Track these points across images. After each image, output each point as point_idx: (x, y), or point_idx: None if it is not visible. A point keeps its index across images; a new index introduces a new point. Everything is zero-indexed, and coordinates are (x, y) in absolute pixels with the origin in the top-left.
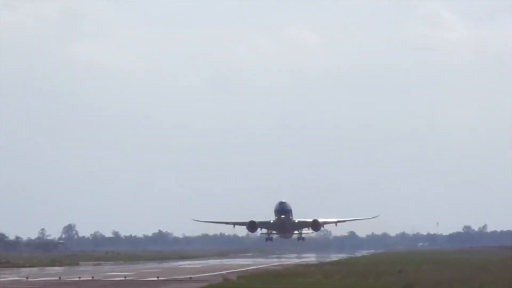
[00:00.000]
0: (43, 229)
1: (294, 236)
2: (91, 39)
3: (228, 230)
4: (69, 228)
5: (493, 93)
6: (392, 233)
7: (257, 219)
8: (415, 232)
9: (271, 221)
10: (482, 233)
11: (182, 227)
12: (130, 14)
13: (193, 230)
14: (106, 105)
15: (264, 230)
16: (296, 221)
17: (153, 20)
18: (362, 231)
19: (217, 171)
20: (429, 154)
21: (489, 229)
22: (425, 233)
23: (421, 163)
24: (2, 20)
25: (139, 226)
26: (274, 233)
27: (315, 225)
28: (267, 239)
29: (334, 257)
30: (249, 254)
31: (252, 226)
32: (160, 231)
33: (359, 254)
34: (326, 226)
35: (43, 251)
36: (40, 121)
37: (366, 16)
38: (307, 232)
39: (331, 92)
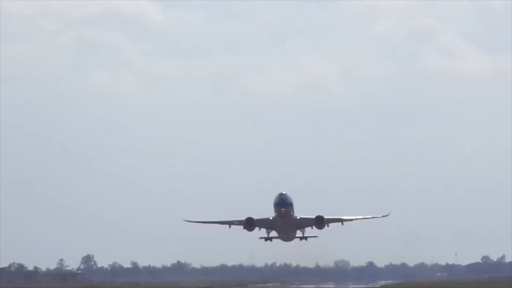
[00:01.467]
0: (61, 260)
1: (296, 239)
2: (108, 69)
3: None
4: (87, 259)
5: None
6: (411, 263)
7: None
8: (433, 263)
9: (271, 218)
10: (501, 264)
11: (200, 257)
12: (147, 45)
13: (212, 260)
14: (124, 134)
15: (263, 231)
16: (298, 217)
17: (170, 50)
18: (381, 261)
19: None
20: (447, 185)
21: (508, 259)
22: (443, 264)
23: (438, 194)
24: (20, 51)
25: (158, 257)
26: (274, 237)
27: (319, 222)
28: (266, 239)
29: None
30: (269, 285)
31: (249, 223)
32: (178, 262)
33: (378, 284)
34: (331, 225)
35: (61, 282)
36: (57, 150)
37: (384, 47)
38: (310, 236)
39: (347, 123)
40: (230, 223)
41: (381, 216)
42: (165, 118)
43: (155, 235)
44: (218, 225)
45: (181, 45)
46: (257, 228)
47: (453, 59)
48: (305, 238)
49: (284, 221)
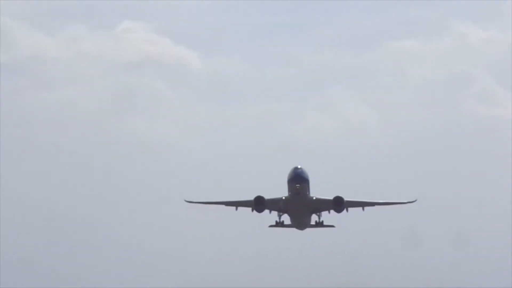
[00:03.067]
0: None
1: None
2: (147, 115)
3: None
4: None
5: None
6: None
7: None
8: None
9: (283, 198)
10: None
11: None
12: (186, 91)
13: None
14: (161, 180)
15: (275, 214)
16: (314, 198)
17: (209, 96)
18: None
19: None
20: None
21: None
22: None
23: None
24: (58, 96)
25: None
26: (287, 225)
27: (338, 203)
28: (277, 223)
29: None
30: None
31: (259, 203)
32: None
33: None
34: (350, 210)
35: None
36: (94, 195)
37: (421, 92)
38: (327, 225)
39: (385, 167)
40: (237, 204)
41: (407, 202)
42: (204, 164)
43: None
44: (223, 207)
45: (219, 91)
46: (267, 216)
47: (491, 105)
48: (321, 224)
49: (298, 200)
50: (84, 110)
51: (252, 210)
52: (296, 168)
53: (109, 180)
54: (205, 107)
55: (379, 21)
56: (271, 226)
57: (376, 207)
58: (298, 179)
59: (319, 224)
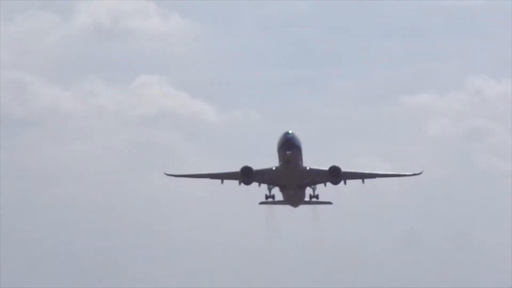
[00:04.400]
0: None
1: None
2: (163, 169)
3: None
4: None
5: None
6: None
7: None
8: None
9: (273, 168)
10: None
11: None
12: (202, 145)
13: None
14: (179, 235)
15: (264, 188)
16: (308, 168)
17: (225, 150)
18: None
19: None
20: None
21: None
22: None
23: None
24: (75, 150)
25: None
26: (278, 201)
27: (334, 174)
28: (267, 197)
29: None
30: None
31: (246, 174)
32: None
33: None
34: (349, 182)
35: None
36: (112, 249)
37: (436, 146)
38: (323, 201)
39: (400, 222)
40: (222, 176)
41: (411, 174)
42: (221, 220)
43: None
44: (207, 180)
45: (235, 145)
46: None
47: (507, 158)
48: (317, 198)
49: (290, 170)
50: (101, 164)
51: (240, 183)
52: (287, 133)
53: (126, 235)
54: (221, 160)
55: (395, 75)
56: (261, 203)
57: (378, 179)
58: (288, 145)
59: (314, 200)
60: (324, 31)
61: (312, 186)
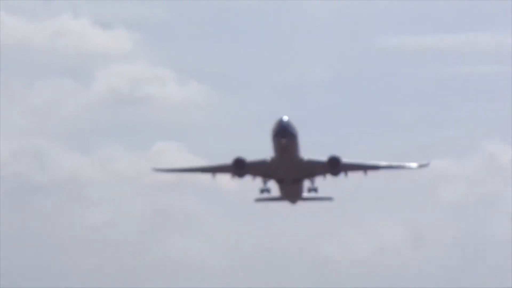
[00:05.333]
0: None
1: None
2: (182, 235)
3: None
4: None
5: None
6: None
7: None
8: None
9: (267, 160)
10: None
11: None
12: (220, 210)
13: None
14: None
15: (259, 182)
16: (305, 159)
17: (242, 215)
18: None
19: None
20: None
21: None
22: None
23: None
24: (94, 217)
25: None
26: (275, 197)
27: (333, 165)
28: (262, 191)
29: None
30: None
31: (239, 166)
32: None
33: None
34: (350, 174)
35: None
36: None
37: (451, 212)
38: (322, 197)
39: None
40: (213, 169)
41: (418, 165)
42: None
43: None
44: (198, 174)
45: (252, 209)
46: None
47: None
48: (315, 191)
49: (286, 161)
50: (120, 230)
51: (232, 176)
52: (282, 119)
53: None
54: (239, 226)
55: (409, 141)
56: (257, 199)
57: (381, 171)
58: (283, 132)
59: (313, 195)
60: (341, 98)
61: (311, 179)
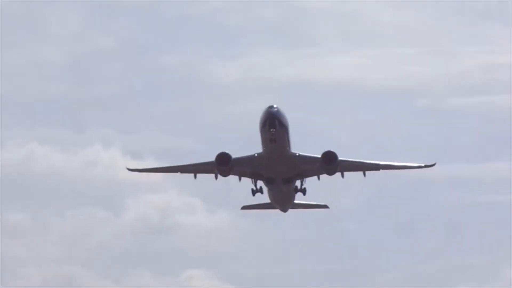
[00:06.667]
0: None
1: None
2: None
3: None
4: None
5: None
6: None
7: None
8: None
9: (255, 155)
10: None
11: None
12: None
13: None
14: None
15: (247, 183)
16: (297, 154)
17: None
18: None
19: None
20: None
21: None
22: None
23: None
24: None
25: None
26: (265, 204)
27: (328, 161)
28: (254, 192)
29: None
30: None
31: (223, 162)
32: None
33: None
34: (347, 175)
35: None
36: None
37: None
38: (318, 204)
39: None
40: (195, 168)
41: (423, 166)
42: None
43: None
44: (178, 174)
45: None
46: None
47: None
48: (303, 192)
49: (276, 155)
50: None
51: (216, 177)
52: (270, 107)
53: None
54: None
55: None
56: (244, 207)
57: (382, 171)
58: (272, 122)
59: (306, 203)
60: None
61: (302, 179)
